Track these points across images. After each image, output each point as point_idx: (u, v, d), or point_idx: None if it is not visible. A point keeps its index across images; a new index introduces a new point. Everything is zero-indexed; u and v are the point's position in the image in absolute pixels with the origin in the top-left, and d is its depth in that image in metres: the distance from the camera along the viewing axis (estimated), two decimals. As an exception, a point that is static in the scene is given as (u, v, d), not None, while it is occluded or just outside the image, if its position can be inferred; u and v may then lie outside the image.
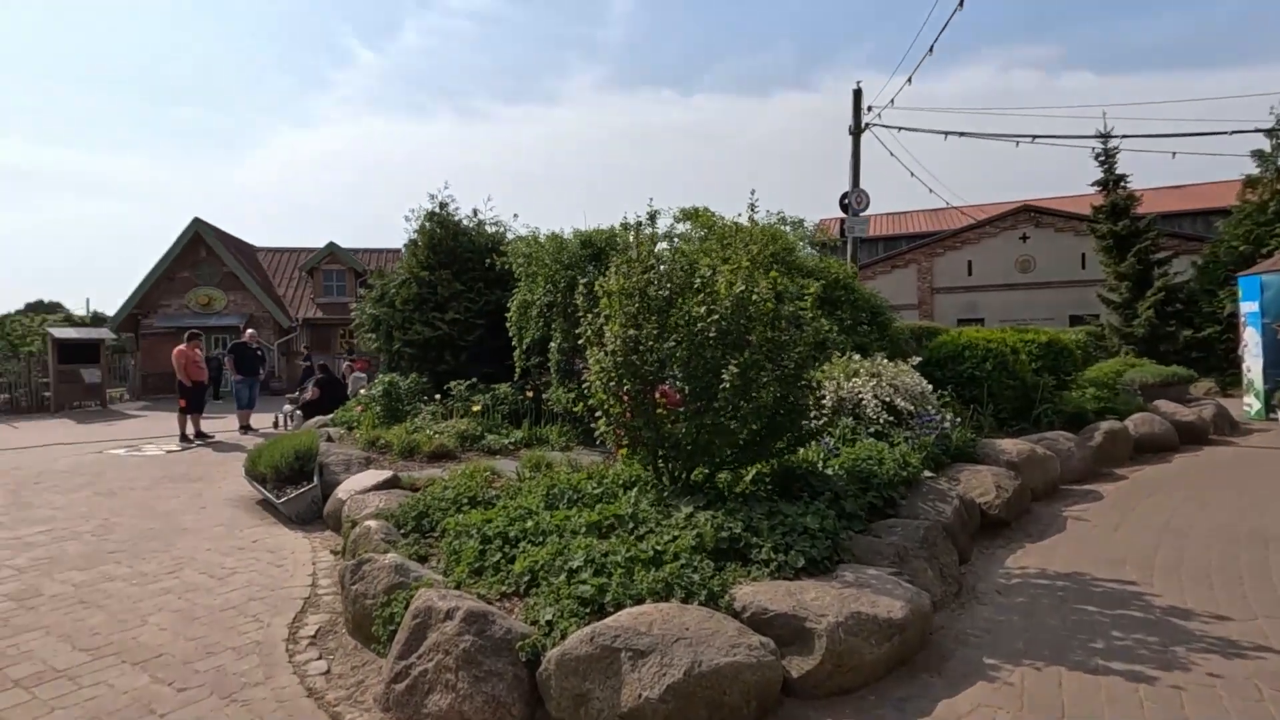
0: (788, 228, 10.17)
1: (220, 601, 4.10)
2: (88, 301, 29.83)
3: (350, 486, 5.87)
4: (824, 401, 5.84)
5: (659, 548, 3.58)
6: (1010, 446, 6.36)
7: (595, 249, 8.43)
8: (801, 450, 4.93)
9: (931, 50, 11.91)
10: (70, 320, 31.54)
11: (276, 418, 12.73)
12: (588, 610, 3.07)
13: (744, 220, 4.96)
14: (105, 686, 3.08)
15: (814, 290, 4.68)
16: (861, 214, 14.47)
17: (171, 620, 3.81)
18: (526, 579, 3.49)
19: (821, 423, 5.03)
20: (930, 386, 6.86)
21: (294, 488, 6.21)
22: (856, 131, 14.50)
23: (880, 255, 25.88)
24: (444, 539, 4.32)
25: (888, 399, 6.33)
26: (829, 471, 4.97)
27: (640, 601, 3.09)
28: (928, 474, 5.37)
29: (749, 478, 4.85)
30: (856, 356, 7.05)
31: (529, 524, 4.03)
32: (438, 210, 10.59)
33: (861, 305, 8.99)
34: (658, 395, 4.55)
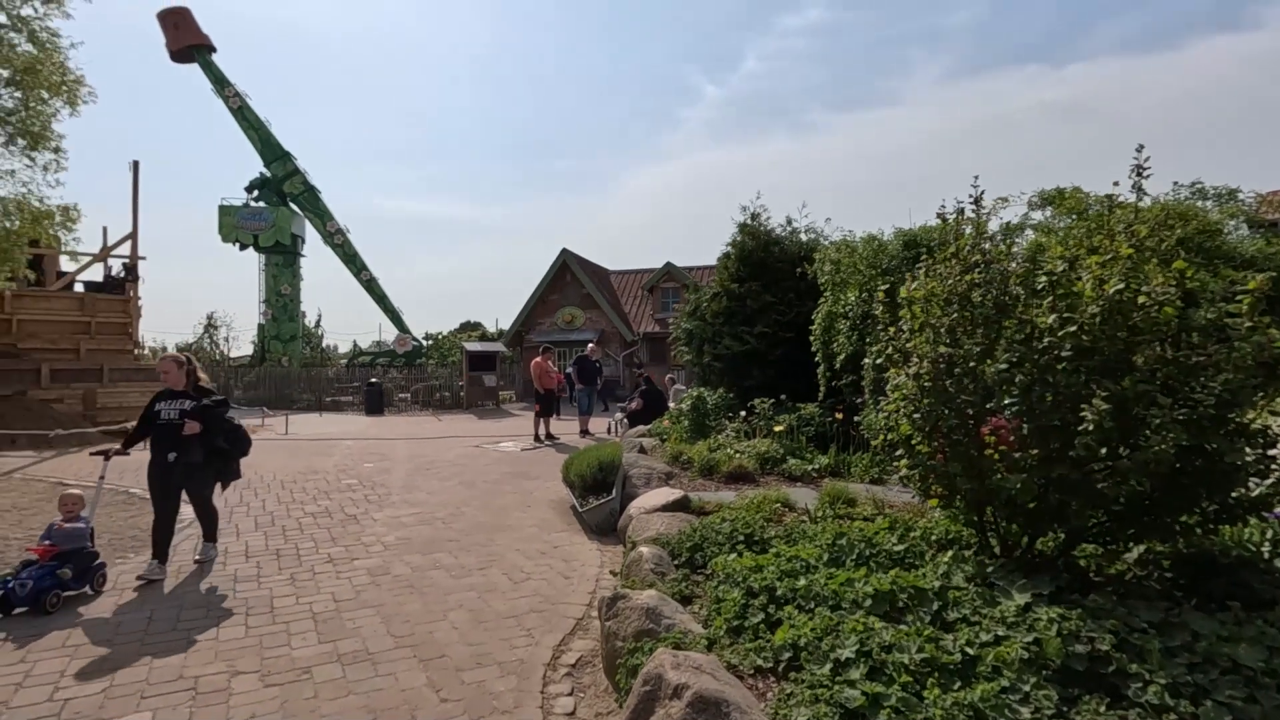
0: (1209, 203, 7.45)
1: (507, 608, 4.28)
2: (496, 321, 37.53)
3: (641, 503, 5.83)
4: (1273, 454, 3.89)
5: (971, 650, 2.58)
6: None
7: (921, 250, 7.22)
8: (1228, 528, 3.28)
9: None
10: (484, 337, 39.92)
11: (610, 424, 13.95)
12: (852, 728, 2.29)
13: (1128, 194, 3.49)
14: (391, 679, 3.33)
15: (1257, 285, 3.03)
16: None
17: (464, 620, 4.07)
18: (787, 655, 2.83)
19: (1268, 486, 3.31)
20: None
21: (595, 497, 6.44)
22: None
23: (1380, 233, 17.98)
24: (710, 581, 3.87)
25: None
26: (1284, 565, 3.20)
27: (930, 734, 2.20)
28: None
29: (1132, 558, 3.41)
30: (1340, 384, 4.63)
31: (801, 582, 3.34)
32: (749, 221, 10.36)
33: (1348, 305, 6.02)
34: (986, 431, 3.45)
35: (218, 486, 5.31)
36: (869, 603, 3.07)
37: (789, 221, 10.54)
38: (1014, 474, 3.26)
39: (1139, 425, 2.93)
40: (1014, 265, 3.52)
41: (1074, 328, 3.01)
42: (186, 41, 31.51)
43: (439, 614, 4.17)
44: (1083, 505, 3.13)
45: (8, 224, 9.42)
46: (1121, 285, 3.01)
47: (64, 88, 8.58)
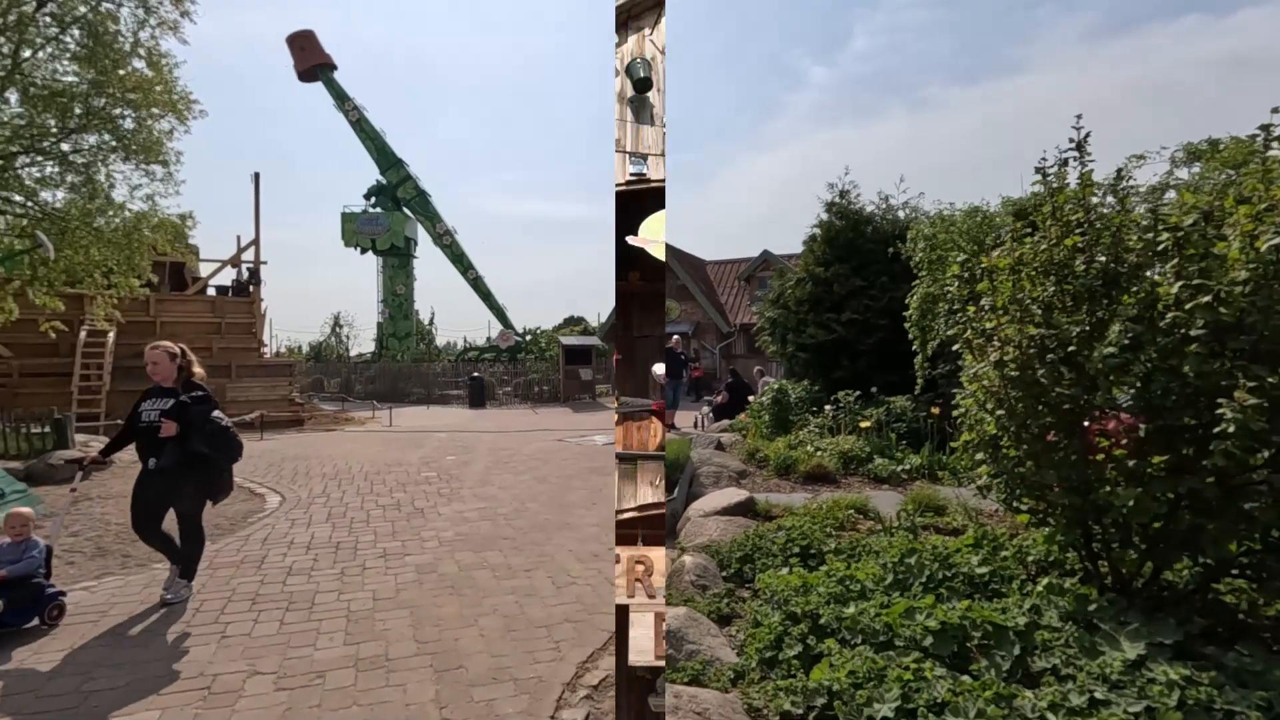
0: None
1: (542, 615, 4.01)
2: (599, 315, 37.91)
3: (701, 505, 5.41)
4: None
5: (1053, 718, 2.00)
6: None
7: (1033, 221, 6.29)
8: None
9: None
10: (585, 331, 40.54)
11: (696, 418, 13.54)
12: (879, 814, 1.79)
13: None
14: (400, 691, 3.13)
15: None
16: None
17: (493, 628, 3.84)
18: (821, 701, 2.35)
19: None
20: None
21: (658, 497, 6.08)
22: None
23: None
24: (756, 599, 3.41)
25: None
26: None
27: (982, 835, 1.67)
28: None
29: (1298, 599, 2.63)
30: None
31: (850, 609, 2.82)
32: (836, 200, 9.57)
33: None
34: (1095, 431, 2.78)
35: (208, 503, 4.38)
36: (930, 640, 2.52)
37: (884, 199, 9.65)
38: (1128, 488, 2.59)
39: (1305, 427, 2.20)
40: (1126, 224, 2.81)
41: (1207, 298, 2.31)
42: (311, 62, 33.96)
43: (471, 619, 3.96)
44: (1223, 529, 2.42)
45: (141, 235, 10.33)
46: (1280, 240, 2.27)
47: (174, 105, 9.26)
